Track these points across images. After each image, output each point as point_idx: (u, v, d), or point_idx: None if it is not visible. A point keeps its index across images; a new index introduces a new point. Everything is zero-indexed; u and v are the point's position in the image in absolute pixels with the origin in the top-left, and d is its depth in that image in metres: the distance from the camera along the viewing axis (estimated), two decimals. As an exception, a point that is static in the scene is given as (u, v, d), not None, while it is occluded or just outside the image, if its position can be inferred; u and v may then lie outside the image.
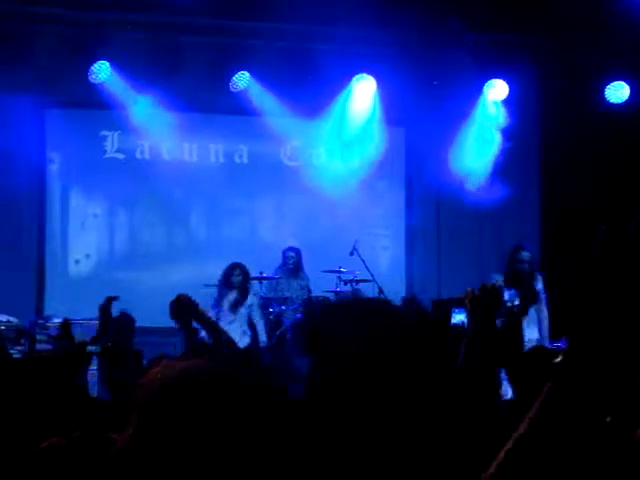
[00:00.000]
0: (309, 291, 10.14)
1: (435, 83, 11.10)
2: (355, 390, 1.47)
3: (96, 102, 10.76)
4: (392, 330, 1.55)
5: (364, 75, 11.15)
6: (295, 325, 9.43)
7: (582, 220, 9.94)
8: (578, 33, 10.33)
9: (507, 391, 4.14)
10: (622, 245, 1.09)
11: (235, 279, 9.50)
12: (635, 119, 10.82)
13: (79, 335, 8.12)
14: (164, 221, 11.48)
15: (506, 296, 7.61)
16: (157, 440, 1.18)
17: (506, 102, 11.22)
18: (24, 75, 10.15)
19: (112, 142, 11.32)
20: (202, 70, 10.65)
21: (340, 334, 1.54)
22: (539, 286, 8.59)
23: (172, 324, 4.60)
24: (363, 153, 11.56)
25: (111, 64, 10.55)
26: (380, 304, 1.67)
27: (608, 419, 1.07)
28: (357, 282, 10.05)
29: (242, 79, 10.98)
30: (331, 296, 9.84)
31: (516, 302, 8.08)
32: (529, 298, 8.36)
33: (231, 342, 4.37)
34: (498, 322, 7.27)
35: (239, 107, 11.01)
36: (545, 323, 8.53)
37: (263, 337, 9.52)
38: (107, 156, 11.31)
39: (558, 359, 1.04)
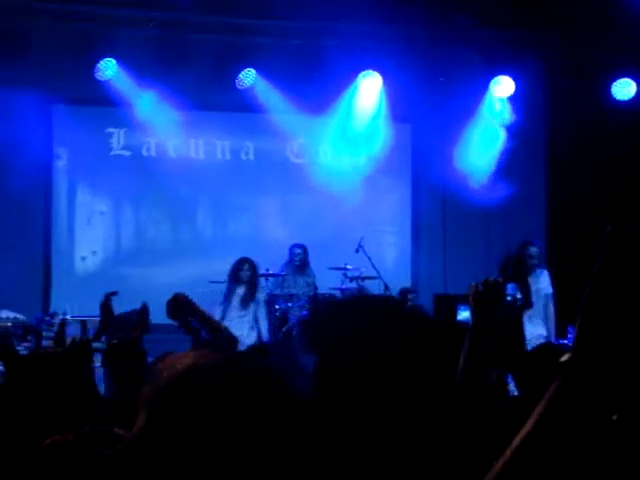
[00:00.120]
0: (315, 288, 10.14)
1: (441, 79, 11.08)
2: (360, 386, 1.47)
3: (102, 99, 10.77)
4: (397, 327, 1.55)
5: (370, 71, 11.14)
6: (301, 322, 9.43)
7: (588, 217, 9.93)
8: (585, 30, 10.30)
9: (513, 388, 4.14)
10: (630, 245, 1.09)
11: (244, 274, 9.52)
12: (642, 116, 10.80)
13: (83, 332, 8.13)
14: (170, 218, 11.49)
15: (508, 290, 7.62)
16: (166, 434, 1.18)
17: (512, 99, 11.19)
18: (31, 71, 10.16)
19: (118, 139, 11.34)
20: (208, 67, 10.65)
21: (345, 331, 1.54)
22: (546, 282, 8.58)
23: (178, 321, 4.59)
24: (369, 150, 11.56)
25: (117, 61, 10.56)
26: (385, 301, 1.67)
27: (614, 417, 1.07)
28: (363, 279, 10.05)
29: (248, 76, 10.98)
30: (337, 293, 9.84)
31: (518, 296, 8.08)
32: (530, 294, 8.36)
33: (232, 339, 4.35)
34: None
35: (245, 104, 11.01)
36: (552, 320, 8.53)
37: (265, 334, 9.52)
38: (113, 153, 11.33)
39: (564, 358, 1.04)
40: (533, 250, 8.51)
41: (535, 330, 8.28)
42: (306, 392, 1.31)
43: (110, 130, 11.30)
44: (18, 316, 8.95)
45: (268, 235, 11.19)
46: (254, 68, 10.95)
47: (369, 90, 11.34)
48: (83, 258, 11.27)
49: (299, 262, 10.19)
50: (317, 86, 10.62)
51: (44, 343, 8.48)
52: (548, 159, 11.69)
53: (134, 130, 11.14)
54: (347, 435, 1.41)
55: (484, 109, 11.39)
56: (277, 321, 9.78)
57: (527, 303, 8.30)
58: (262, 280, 9.87)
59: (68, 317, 8.98)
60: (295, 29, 10.76)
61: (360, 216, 11.21)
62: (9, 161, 10.26)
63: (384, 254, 11.52)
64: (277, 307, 9.80)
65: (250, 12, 10.53)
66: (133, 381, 3.64)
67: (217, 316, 9.42)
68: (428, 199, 11.76)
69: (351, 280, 10.05)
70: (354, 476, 1.40)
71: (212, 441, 1.17)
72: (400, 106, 11.23)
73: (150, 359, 4.46)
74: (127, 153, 11.36)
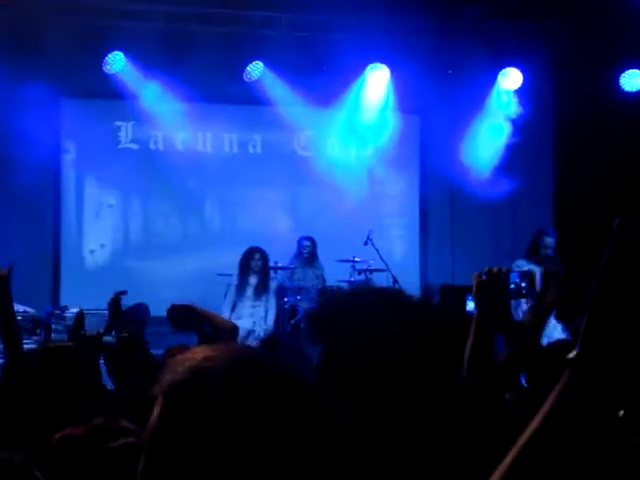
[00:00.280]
0: (324, 281, 10.14)
1: (449, 72, 11.06)
2: (366, 380, 1.47)
3: (110, 92, 10.78)
4: (404, 320, 1.55)
5: (378, 64, 11.12)
6: (307, 314, 9.41)
7: (596, 209, 9.90)
8: (593, 21, 10.26)
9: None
10: (637, 238, 1.09)
11: (255, 263, 9.44)
12: (650, 107, 10.76)
13: (94, 325, 8.13)
14: (178, 211, 11.50)
15: (512, 278, 7.62)
16: (183, 422, 1.19)
17: (520, 91, 11.17)
18: (39, 65, 10.18)
19: (126, 132, 11.35)
20: (216, 60, 10.65)
21: (352, 324, 1.54)
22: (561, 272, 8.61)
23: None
24: (377, 142, 11.54)
25: (125, 54, 10.57)
26: (392, 294, 1.67)
27: (621, 413, 1.07)
28: (371, 272, 10.04)
29: (256, 69, 10.98)
30: (345, 286, 9.82)
31: (523, 284, 8.08)
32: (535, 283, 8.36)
33: (234, 331, 4.36)
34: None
35: (253, 97, 11.01)
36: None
37: (271, 325, 9.51)
38: (121, 146, 11.35)
39: (571, 354, 1.04)
40: (548, 240, 8.55)
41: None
42: (314, 385, 1.31)
43: (118, 123, 11.32)
44: (28, 309, 8.97)
45: (276, 228, 11.19)
46: (262, 61, 10.94)
47: (377, 82, 11.32)
48: (92, 251, 11.30)
49: (307, 254, 10.18)
50: (325, 78, 10.61)
51: (53, 336, 8.51)
52: (556, 151, 11.67)
53: (142, 123, 11.16)
54: (353, 431, 1.41)
55: (492, 101, 11.37)
56: (286, 314, 9.78)
57: (532, 292, 8.29)
58: (271, 272, 9.87)
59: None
60: (303, 22, 10.75)
61: (368, 208, 11.21)
62: (18, 155, 10.28)
63: (392, 247, 11.52)
64: (286, 300, 9.80)
65: (258, 4, 10.52)
66: (141, 374, 3.65)
67: (228, 307, 9.43)
68: (436, 191, 11.74)
69: (359, 273, 10.05)
70: (361, 474, 1.41)
71: (228, 429, 1.18)
72: (408, 98, 11.21)
73: (154, 351, 4.47)
74: (135, 146, 11.38)
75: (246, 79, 10.99)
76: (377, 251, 10.01)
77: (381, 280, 9.83)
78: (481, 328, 2.59)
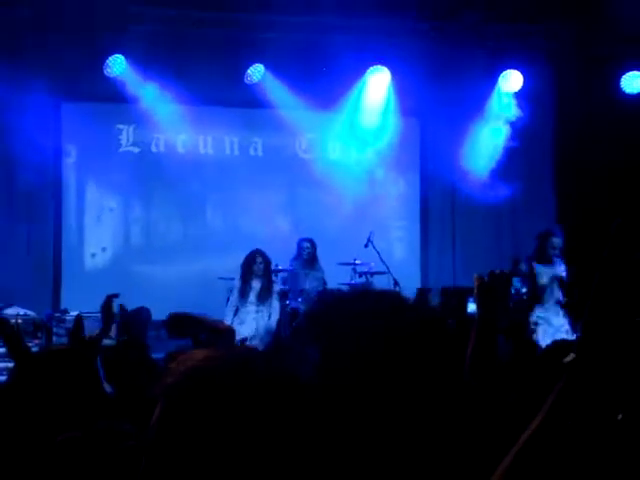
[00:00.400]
0: (324, 283, 10.12)
1: (450, 74, 11.06)
2: (363, 382, 1.47)
3: (111, 96, 10.78)
4: (402, 323, 1.55)
5: (378, 66, 11.13)
6: (305, 315, 9.38)
7: (597, 212, 9.89)
8: (593, 23, 10.26)
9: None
10: (635, 240, 1.09)
11: (257, 267, 9.33)
12: (651, 109, 10.75)
13: (94, 329, 8.14)
14: (179, 214, 11.50)
15: (513, 283, 7.63)
16: (184, 424, 1.19)
17: (520, 93, 11.16)
18: (41, 68, 10.18)
19: (127, 135, 11.35)
20: (217, 63, 10.67)
21: (348, 325, 1.55)
22: (562, 270, 8.61)
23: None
24: (377, 145, 11.55)
25: (126, 58, 10.57)
26: (390, 297, 1.67)
27: (619, 416, 1.08)
28: (372, 274, 10.04)
29: (256, 72, 10.99)
30: (346, 289, 9.81)
31: (524, 290, 8.10)
32: (536, 287, 8.38)
33: (231, 334, 4.35)
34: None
35: (254, 100, 11.02)
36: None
37: (273, 328, 9.48)
38: (122, 149, 11.35)
39: (568, 358, 1.04)
40: (555, 241, 8.55)
41: (558, 321, 8.28)
42: (313, 386, 1.31)
43: (119, 127, 11.32)
44: (29, 313, 8.98)
45: (277, 230, 11.19)
46: (262, 64, 10.95)
47: (377, 85, 11.33)
48: (93, 255, 11.30)
49: (307, 256, 10.15)
50: (325, 81, 10.62)
51: (54, 340, 8.51)
52: (556, 153, 11.66)
53: (143, 126, 11.16)
54: (351, 432, 1.42)
55: (493, 104, 11.37)
56: (288, 317, 9.76)
57: (533, 296, 8.30)
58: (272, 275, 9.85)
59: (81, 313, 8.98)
60: (303, 24, 10.75)
61: (368, 211, 11.22)
62: (19, 158, 10.29)
63: (393, 249, 11.53)
64: (287, 302, 9.79)
65: (258, 8, 10.53)
66: (140, 377, 3.65)
67: (231, 311, 9.38)
68: (437, 194, 11.75)
69: (360, 275, 10.05)
70: (360, 473, 1.41)
71: (227, 430, 1.18)
72: (408, 101, 11.21)
73: (155, 355, 4.47)
74: (136, 149, 11.38)
75: (247, 82, 10.99)
76: (378, 253, 10.01)
77: (382, 283, 9.82)
78: (482, 330, 2.59)
